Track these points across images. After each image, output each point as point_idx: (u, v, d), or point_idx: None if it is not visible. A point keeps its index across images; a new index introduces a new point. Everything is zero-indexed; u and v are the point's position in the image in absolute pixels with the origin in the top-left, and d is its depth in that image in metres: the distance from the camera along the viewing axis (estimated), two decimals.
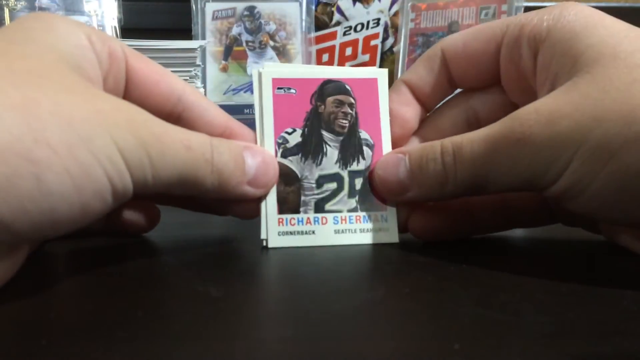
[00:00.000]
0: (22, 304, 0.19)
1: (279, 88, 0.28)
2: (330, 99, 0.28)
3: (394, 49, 0.76)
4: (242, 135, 0.27)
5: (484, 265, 0.23)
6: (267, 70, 0.28)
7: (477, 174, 0.23)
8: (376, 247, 0.27)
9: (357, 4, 0.77)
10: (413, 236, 0.28)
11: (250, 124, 0.28)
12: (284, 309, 0.18)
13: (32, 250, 0.24)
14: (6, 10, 0.70)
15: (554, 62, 0.23)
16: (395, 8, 0.76)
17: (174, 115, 0.26)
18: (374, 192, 0.28)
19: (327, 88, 0.28)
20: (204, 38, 0.72)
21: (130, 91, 0.25)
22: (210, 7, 0.73)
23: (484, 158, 0.23)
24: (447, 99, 0.30)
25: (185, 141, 0.21)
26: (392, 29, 0.77)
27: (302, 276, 0.23)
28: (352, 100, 0.28)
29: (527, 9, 0.66)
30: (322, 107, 0.28)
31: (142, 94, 0.25)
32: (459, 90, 0.30)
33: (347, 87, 0.28)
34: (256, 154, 0.25)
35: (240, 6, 0.73)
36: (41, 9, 0.70)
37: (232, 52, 0.72)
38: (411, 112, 0.29)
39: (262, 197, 0.27)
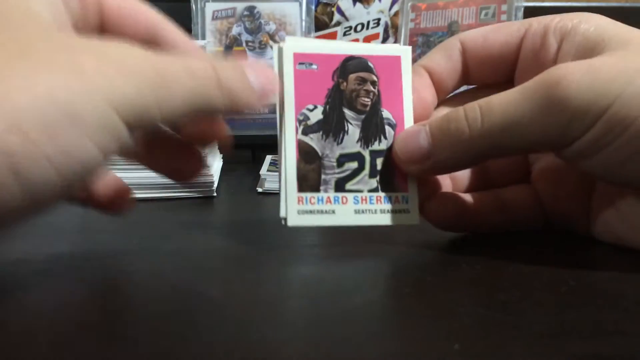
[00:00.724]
0: (23, 303, 0.19)
1: (300, 63, 0.27)
2: (352, 76, 0.27)
3: None
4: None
5: (484, 265, 0.23)
6: (288, 44, 0.27)
7: (507, 128, 0.23)
8: (376, 245, 0.27)
9: (357, 4, 0.77)
10: (427, 218, 0.28)
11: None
12: (284, 308, 0.18)
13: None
14: None
15: (581, 47, 0.24)
16: (395, 8, 0.76)
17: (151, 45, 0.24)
18: (396, 171, 0.27)
19: (350, 65, 0.27)
20: (203, 38, 0.72)
21: (106, 30, 0.24)
22: (210, 7, 0.73)
23: (517, 109, 0.23)
24: (456, 92, 0.30)
25: (189, 69, 0.20)
26: (392, 29, 0.77)
27: (302, 275, 0.23)
28: (375, 78, 0.28)
29: (527, 9, 0.66)
30: (344, 84, 0.27)
31: (118, 30, 0.24)
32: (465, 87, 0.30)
33: (370, 64, 0.28)
34: (254, 66, 0.24)
35: (240, 6, 0.73)
36: None
37: (232, 52, 0.72)
38: (431, 96, 0.29)
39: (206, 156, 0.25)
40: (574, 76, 0.21)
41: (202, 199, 0.39)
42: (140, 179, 0.38)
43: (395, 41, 0.76)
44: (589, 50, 0.24)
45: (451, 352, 0.14)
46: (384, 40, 0.77)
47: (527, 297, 0.19)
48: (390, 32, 0.77)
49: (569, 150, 0.23)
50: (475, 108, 0.24)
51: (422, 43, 0.74)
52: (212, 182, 0.39)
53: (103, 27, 0.24)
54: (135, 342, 0.15)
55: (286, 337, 0.16)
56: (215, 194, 0.40)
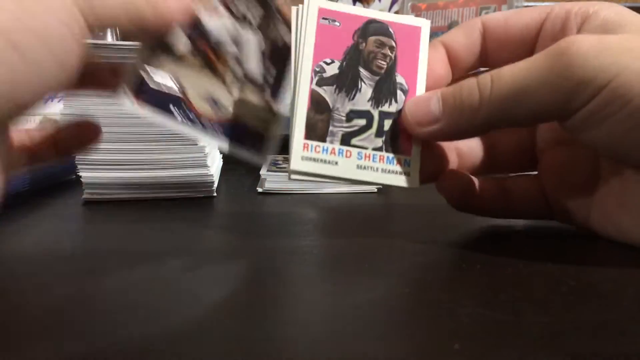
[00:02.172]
0: (24, 303, 0.19)
1: (323, 18, 0.28)
2: (372, 39, 0.28)
3: None
4: None
5: (484, 264, 0.23)
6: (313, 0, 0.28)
7: (515, 94, 0.24)
8: (376, 245, 0.27)
9: (357, 4, 0.77)
10: (439, 190, 0.29)
11: None
12: (284, 308, 0.18)
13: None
14: None
15: (600, 29, 0.25)
16: (395, 8, 0.76)
17: None
18: (402, 135, 0.28)
19: (371, 27, 0.28)
20: None
21: None
22: None
23: (527, 74, 0.23)
24: (472, 72, 0.31)
25: None
26: None
27: (302, 275, 0.23)
28: (393, 44, 0.29)
29: None
30: (364, 44, 0.28)
31: None
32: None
33: (391, 30, 0.29)
34: None
35: None
36: None
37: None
38: (444, 70, 0.30)
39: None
40: (582, 45, 0.22)
41: (202, 198, 0.39)
42: (141, 179, 0.38)
43: None
44: (606, 32, 0.25)
45: (451, 352, 0.14)
46: None
47: (527, 297, 0.19)
48: None
49: (572, 120, 0.23)
50: (486, 76, 0.25)
51: None
52: (212, 182, 0.39)
53: None
54: (136, 342, 0.15)
55: (286, 337, 0.16)
56: (215, 194, 0.40)
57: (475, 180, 0.30)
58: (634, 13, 0.25)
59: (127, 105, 0.26)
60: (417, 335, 0.16)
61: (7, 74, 0.19)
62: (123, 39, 0.28)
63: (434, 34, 0.77)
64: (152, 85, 0.27)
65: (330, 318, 0.17)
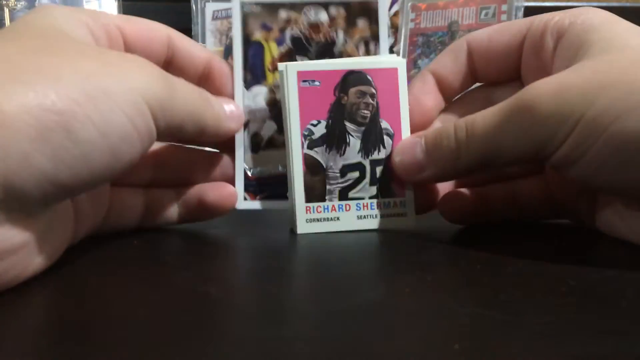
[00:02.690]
0: (24, 303, 0.19)
1: (303, 81, 0.29)
2: (352, 90, 0.29)
3: (394, 49, 0.76)
4: (220, 69, 0.30)
5: (484, 264, 0.23)
6: (292, 64, 0.29)
7: (489, 145, 0.25)
8: (376, 245, 0.27)
9: None
10: (441, 215, 0.30)
11: None
12: (284, 309, 0.18)
13: (84, 235, 0.26)
14: (6, 10, 0.70)
15: (572, 50, 0.25)
16: (395, 8, 0.76)
17: (167, 60, 0.28)
18: (394, 178, 0.29)
19: (350, 79, 0.29)
20: (204, 38, 0.72)
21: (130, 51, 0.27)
22: (210, 7, 0.73)
23: (496, 129, 0.24)
24: (466, 90, 0.31)
25: (187, 83, 0.25)
26: (392, 29, 0.77)
27: (302, 276, 0.23)
28: (374, 91, 0.29)
29: (527, 9, 0.66)
30: (345, 98, 0.29)
31: (140, 54, 0.27)
32: (477, 84, 0.31)
33: (369, 77, 0.29)
34: (229, 104, 0.29)
35: None
36: None
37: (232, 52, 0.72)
38: (433, 101, 0.30)
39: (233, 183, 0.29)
40: (542, 99, 0.23)
41: None
42: None
43: (395, 41, 0.76)
44: (574, 53, 0.25)
45: (451, 352, 0.14)
46: None
47: (527, 297, 0.19)
48: (390, 32, 0.77)
49: (549, 162, 0.24)
50: (462, 126, 0.26)
51: (422, 43, 0.74)
52: None
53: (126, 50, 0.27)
54: (135, 342, 0.15)
55: (286, 337, 0.16)
56: None
57: (480, 192, 0.30)
58: (609, 22, 0.25)
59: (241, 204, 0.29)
60: (417, 335, 0.16)
61: (52, 153, 0.18)
62: (178, 141, 0.30)
63: (433, 33, 0.77)
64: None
65: (330, 318, 0.17)
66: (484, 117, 0.25)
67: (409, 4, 0.74)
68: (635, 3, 0.82)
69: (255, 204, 0.30)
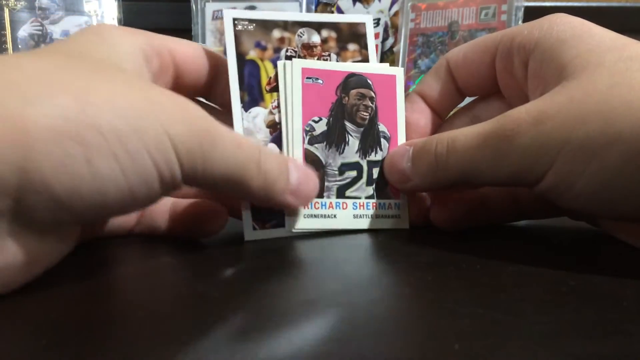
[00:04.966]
0: (25, 302, 0.19)
1: (307, 78, 0.29)
2: (353, 92, 0.30)
3: (394, 49, 0.76)
4: None
5: (484, 265, 0.23)
6: (297, 60, 0.29)
7: (467, 165, 0.25)
8: (376, 245, 0.27)
9: (357, 4, 0.77)
10: (434, 224, 0.30)
11: None
12: (284, 308, 0.18)
13: (79, 242, 0.24)
14: (6, 10, 0.69)
15: (544, 69, 0.25)
16: (395, 8, 0.76)
17: (209, 82, 0.28)
18: (388, 182, 0.30)
19: (351, 81, 0.30)
20: (204, 38, 0.72)
21: (178, 77, 0.27)
22: (210, 7, 0.73)
23: (474, 151, 0.24)
24: (459, 106, 0.32)
25: (237, 140, 0.22)
26: (392, 29, 0.77)
27: (302, 276, 0.23)
28: (373, 94, 0.30)
29: (527, 9, 0.66)
30: (346, 98, 0.30)
31: (188, 77, 0.27)
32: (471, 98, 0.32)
33: (369, 81, 0.30)
34: (299, 167, 0.26)
35: (240, 6, 0.73)
36: (41, 9, 0.70)
37: None
38: (424, 119, 0.31)
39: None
40: (520, 129, 0.22)
41: None
42: None
43: (395, 41, 0.76)
44: (548, 72, 0.24)
45: (451, 352, 0.14)
46: (384, 40, 0.77)
47: (527, 297, 0.19)
48: (390, 32, 0.77)
49: (535, 191, 0.24)
50: (443, 143, 0.26)
51: (422, 43, 0.74)
52: None
53: (177, 75, 0.27)
54: (135, 343, 0.15)
55: (285, 337, 0.16)
56: None
57: (480, 196, 0.30)
58: (579, 37, 0.24)
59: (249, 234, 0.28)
60: (417, 335, 0.16)
61: (70, 184, 0.18)
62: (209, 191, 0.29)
63: (433, 33, 0.77)
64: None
65: (329, 318, 0.17)
66: (466, 136, 0.25)
67: (409, 4, 0.74)
68: (635, 3, 0.82)
69: (265, 233, 0.28)
